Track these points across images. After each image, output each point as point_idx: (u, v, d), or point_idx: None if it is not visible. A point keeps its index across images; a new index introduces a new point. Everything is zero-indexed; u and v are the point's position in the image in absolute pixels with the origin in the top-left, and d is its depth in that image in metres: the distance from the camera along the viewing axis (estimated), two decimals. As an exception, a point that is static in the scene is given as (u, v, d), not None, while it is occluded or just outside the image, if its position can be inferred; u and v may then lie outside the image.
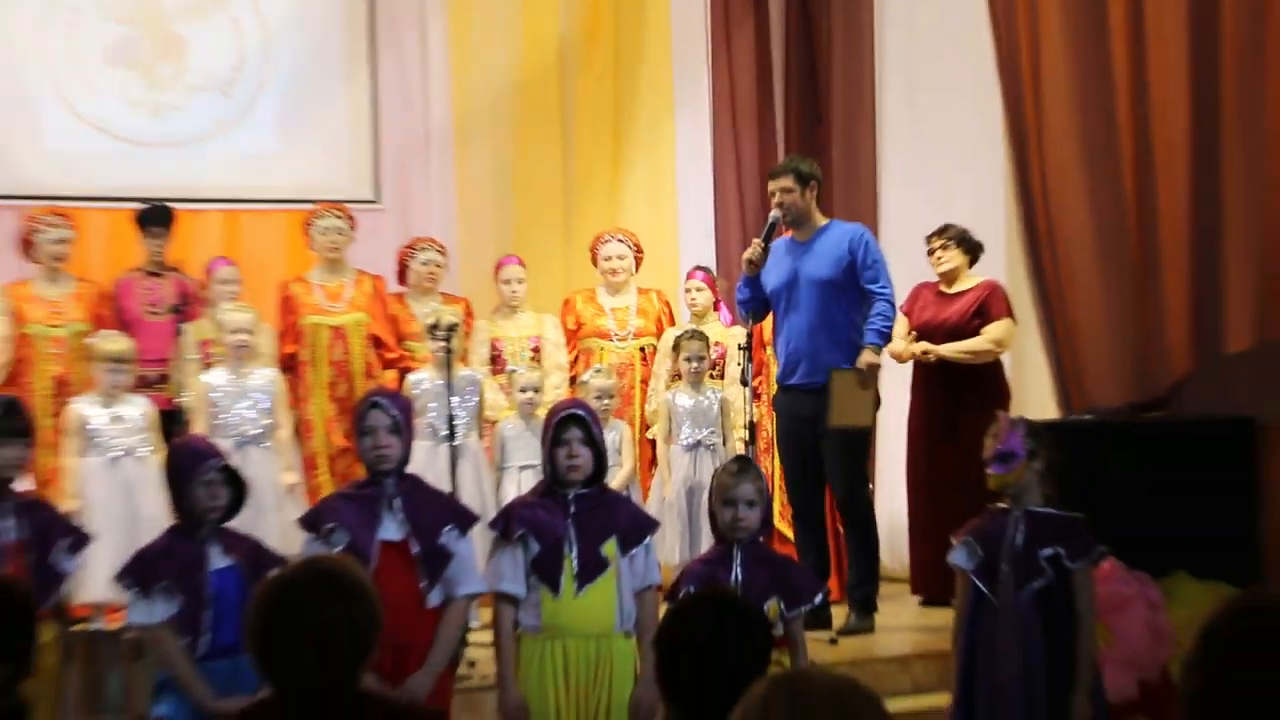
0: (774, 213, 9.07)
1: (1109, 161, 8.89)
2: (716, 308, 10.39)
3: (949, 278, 9.83)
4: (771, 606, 6.40)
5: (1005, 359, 9.89)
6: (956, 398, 9.57)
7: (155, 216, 10.17)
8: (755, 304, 9.20)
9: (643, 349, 10.44)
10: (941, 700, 6.98)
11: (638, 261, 10.63)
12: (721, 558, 6.57)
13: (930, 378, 9.71)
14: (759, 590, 6.40)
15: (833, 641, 8.62)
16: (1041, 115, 9.05)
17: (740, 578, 6.45)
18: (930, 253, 9.87)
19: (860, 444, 9.13)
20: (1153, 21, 8.68)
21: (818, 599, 6.87)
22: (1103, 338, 8.97)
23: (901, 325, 9.73)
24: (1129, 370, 8.92)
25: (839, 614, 8.98)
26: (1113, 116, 8.87)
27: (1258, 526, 8.44)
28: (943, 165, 11.08)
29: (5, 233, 10.55)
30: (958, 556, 6.72)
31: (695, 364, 9.82)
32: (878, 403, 9.14)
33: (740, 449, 9.18)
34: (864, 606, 9.00)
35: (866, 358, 8.85)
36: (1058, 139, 9.01)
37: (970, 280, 9.83)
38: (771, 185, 9.19)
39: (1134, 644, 7.68)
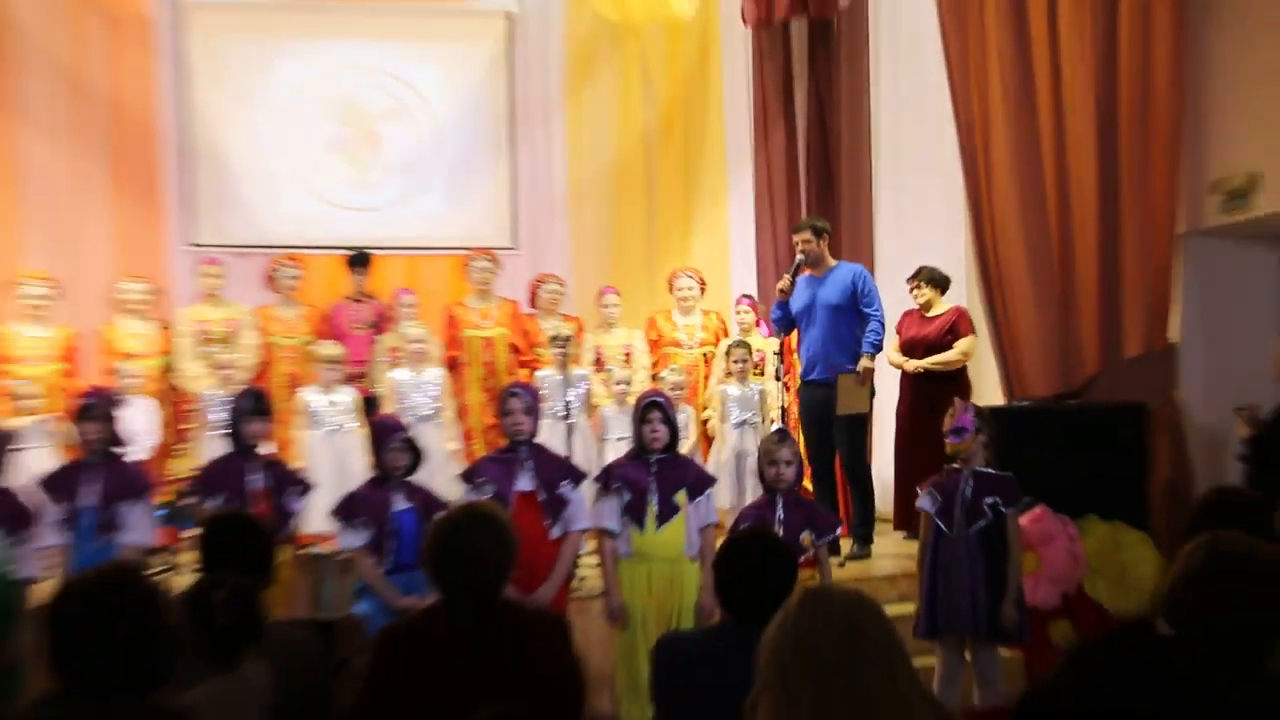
0: (799, 256, 9.03)
1: (1039, 220, 8.80)
2: (757, 324, 10.30)
3: (925, 307, 9.73)
4: (804, 537, 6.50)
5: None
6: (932, 392, 9.39)
7: (359, 259, 10.29)
8: (785, 322, 9.18)
9: (705, 354, 10.36)
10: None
11: (702, 290, 10.54)
12: (768, 503, 6.64)
13: (914, 377, 9.58)
14: (795, 525, 6.51)
15: (841, 564, 8.57)
16: (991, 186, 8.96)
17: (782, 517, 6.52)
18: (911, 290, 9.79)
19: (860, 425, 9.08)
20: (1070, 121, 8.64)
21: (837, 532, 6.95)
22: (1035, 346, 8.86)
23: (893, 341, 9.69)
24: (1054, 370, 8.83)
25: (845, 545, 8.91)
26: (1042, 188, 8.79)
27: (1145, 482, 8.39)
28: (920, 221, 10.98)
29: (255, 271, 10.61)
30: (923, 502, 6.80)
31: (741, 365, 9.76)
32: (873, 393, 9.06)
33: (777, 426, 9.16)
34: (863, 539, 8.99)
35: (863, 363, 8.83)
36: (1002, 203, 8.91)
37: (943, 306, 9.73)
38: (796, 237, 9.18)
39: (1058, 567, 7.66)
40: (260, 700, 3.63)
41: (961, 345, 9.53)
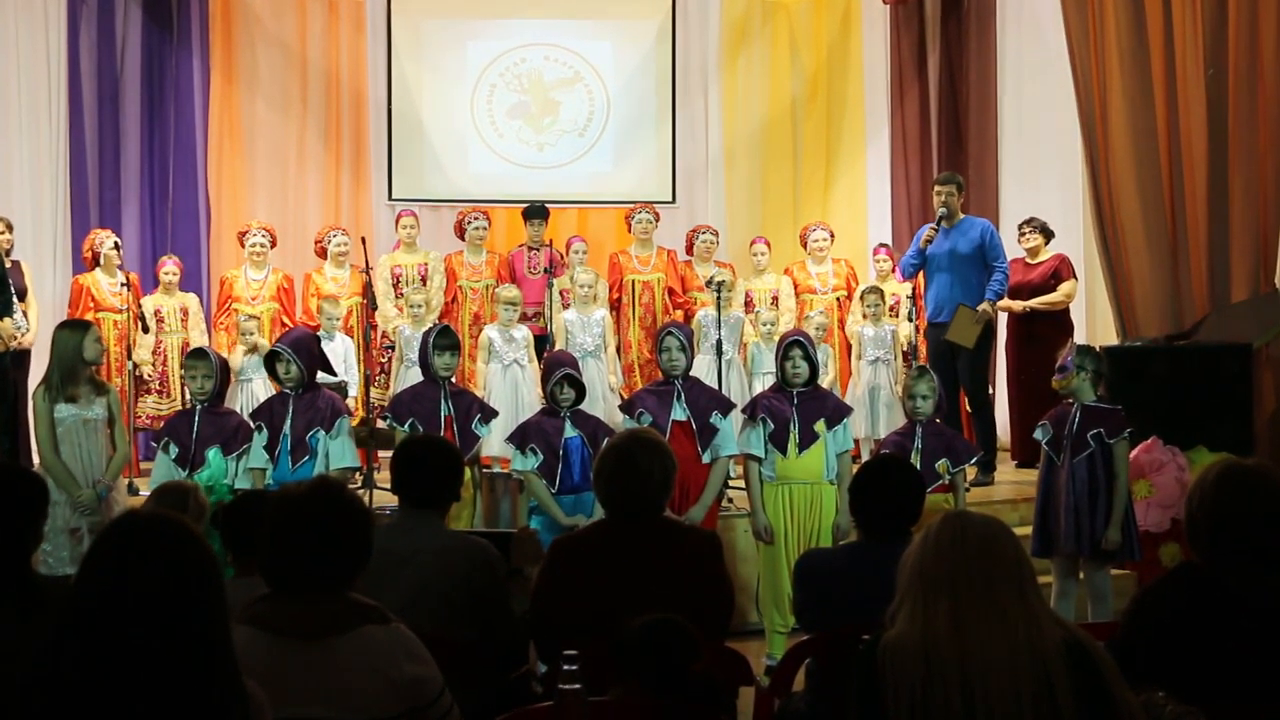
0: (940, 209, 8.71)
1: (1152, 175, 8.57)
2: (893, 271, 9.99)
3: (1033, 253, 9.44)
4: (940, 465, 6.37)
5: (1077, 302, 9.56)
6: (1036, 331, 9.19)
7: (535, 212, 10.16)
8: (914, 268, 8.85)
9: (838, 299, 10.12)
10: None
11: (831, 241, 10.32)
12: (909, 432, 6.53)
13: (1019, 318, 9.30)
14: (933, 453, 6.39)
15: (966, 490, 8.30)
16: (1108, 144, 8.70)
17: (920, 445, 6.40)
18: (1021, 235, 9.52)
19: (983, 362, 8.80)
20: (1181, 84, 8.44)
21: (974, 459, 6.86)
22: (1147, 290, 8.63)
23: (1002, 286, 9.43)
24: (1165, 312, 8.61)
25: (970, 471, 8.62)
26: (1155, 145, 8.55)
27: (1251, 416, 8.19)
28: (1040, 176, 10.70)
29: (446, 222, 10.69)
30: (1039, 433, 6.54)
31: (874, 308, 9.59)
32: (989, 335, 8.75)
33: (903, 364, 9.00)
34: (986, 467, 8.61)
35: (983, 306, 8.48)
36: (1118, 160, 8.66)
37: (1047, 253, 9.44)
38: (941, 189, 8.80)
39: (1168, 493, 7.49)
40: None
41: (1065, 288, 9.28)
